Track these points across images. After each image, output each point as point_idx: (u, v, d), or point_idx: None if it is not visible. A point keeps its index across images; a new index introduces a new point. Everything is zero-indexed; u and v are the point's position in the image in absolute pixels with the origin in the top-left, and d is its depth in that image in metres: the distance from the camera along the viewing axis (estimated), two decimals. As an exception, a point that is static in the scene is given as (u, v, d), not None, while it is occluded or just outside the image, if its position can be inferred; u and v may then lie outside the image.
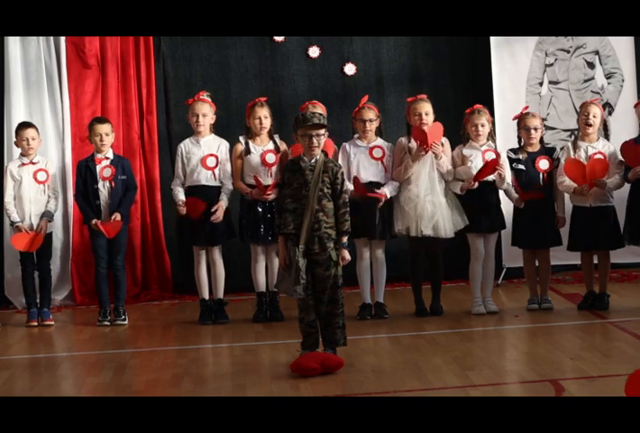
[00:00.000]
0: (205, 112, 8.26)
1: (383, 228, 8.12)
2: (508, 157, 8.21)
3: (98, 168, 8.38)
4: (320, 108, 8.21)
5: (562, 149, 8.24)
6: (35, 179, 8.46)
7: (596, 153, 8.05)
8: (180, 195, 8.26)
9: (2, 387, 6.38)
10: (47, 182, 8.50)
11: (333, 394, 5.79)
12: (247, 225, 8.22)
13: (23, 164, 8.50)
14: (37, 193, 8.46)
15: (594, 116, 8.07)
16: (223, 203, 8.18)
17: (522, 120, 8.18)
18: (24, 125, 8.56)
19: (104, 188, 8.38)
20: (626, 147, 7.99)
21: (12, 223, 8.45)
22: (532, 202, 8.04)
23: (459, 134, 8.26)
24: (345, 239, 6.46)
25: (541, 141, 8.25)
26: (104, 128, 8.41)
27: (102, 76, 9.56)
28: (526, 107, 8.43)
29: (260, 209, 8.16)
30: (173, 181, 8.43)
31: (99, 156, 8.43)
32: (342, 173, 6.48)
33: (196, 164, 8.26)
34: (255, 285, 8.30)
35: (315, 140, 6.42)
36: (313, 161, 6.43)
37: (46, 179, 8.50)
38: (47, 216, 8.44)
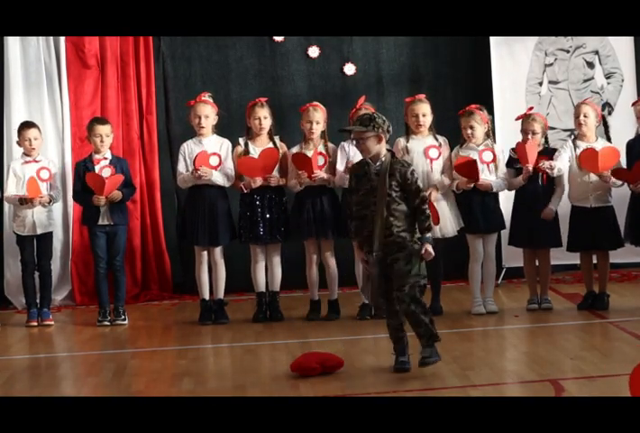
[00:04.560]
0: (207, 113, 8.25)
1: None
2: (510, 156, 8.22)
3: (97, 168, 8.37)
4: (320, 111, 8.21)
5: (562, 147, 8.22)
6: (38, 177, 8.45)
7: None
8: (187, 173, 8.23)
9: (2, 387, 6.38)
10: (49, 181, 8.50)
11: (333, 394, 5.79)
12: (245, 226, 8.22)
13: (27, 162, 8.50)
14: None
15: (585, 116, 8.07)
16: (215, 174, 8.13)
17: (523, 123, 8.16)
18: (27, 125, 8.55)
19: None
20: (617, 173, 7.95)
21: (20, 200, 8.35)
22: (530, 201, 8.06)
23: (458, 135, 8.27)
24: (428, 235, 6.18)
25: (546, 141, 8.25)
26: (104, 129, 8.41)
27: (102, 76, 9.56)
28: (531, 108, 8.40)
29: (259, 210, 8.16)
30: (178, 179, 8.39)
31: (97, 157, 8.42)
32: (413, 172, 6.17)
33: (198, 164, 8.26)
34: (255, 285, 8.30)
35: (359, 144, 6.21)
36: (378, 164, 6.16)
37: (49, 178, 8.50)
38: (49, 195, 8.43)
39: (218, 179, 8.15)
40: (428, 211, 6.18)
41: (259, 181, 8.12)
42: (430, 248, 6.17)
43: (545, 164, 7.92)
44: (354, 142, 6.31)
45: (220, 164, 8.22)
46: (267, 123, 8.24)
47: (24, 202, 8.33)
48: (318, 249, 8.25)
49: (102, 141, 8.38)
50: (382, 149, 6.18)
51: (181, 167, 8.31)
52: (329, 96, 9.61)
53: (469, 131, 8.11)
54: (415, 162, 8.10)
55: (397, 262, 6.13)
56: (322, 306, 8.29)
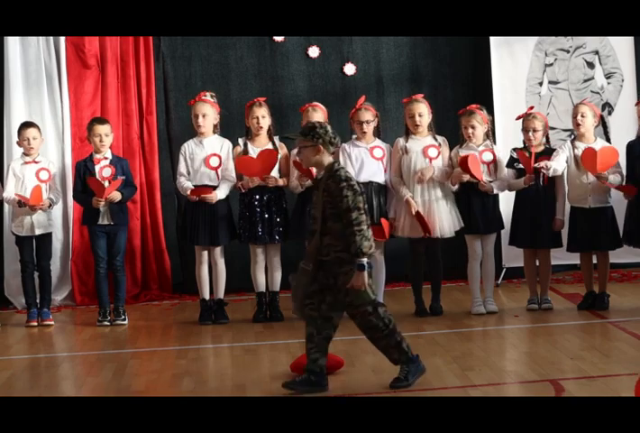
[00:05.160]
0: (206, 112, 8.24)
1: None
2: (511, 156, 8.21)
3: (97, 168, 8.38)
4: (320, 111, 8.21)
5: (560, 148, 8.21)
6: (37, 177, 8.45)
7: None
8: (187, 184, 8.19)
9: (2, 387, 6.38)
10: (49, 182, 8.50)
11: (333, 394, 5.79)
12: (245, 226, 8.22)
13: (26, 163, 8.50)
14: (39, 192, 8.46)
15: (582, 116, 8.07)
16: (219, 192, 8.13)
17: (524, 121, 8.16)
18: (25, 125, 8.56)
19: (104, 188, 8.37)
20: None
21: (19, 203, 8.34)
22: (530, 201, 8.06)
23: (458, 135, 8.27)
24: (362, 261, 5.71)
25: (547, 141, 8.24)
26: (103, 129, 8.41)
27: (102, 76, 9.55)
28: (531, 107, 8.40)
29: (258, 210, 8.16)
30: (177, 179, 8.38)
31: (98, 156, 8.42)
32: (344, 188, 5.70)
33: (199, 165, 8.25)
34: (255, 285, 8.30)
35: (298, 153, 6.02)
36: (319, 177, 5.91)
37: (48, 179, 8.50)
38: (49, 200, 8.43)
39: (223, 195, 8.15)
40: (359, 235, 5.68)
41: (256, 180, 8.12)
42: (360, 278, 5.71)
43: (541, 164, 7.92)
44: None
45: (220, 165, 8.22)
46: (265, 122, 8.23)
47: (23, 205, 8.34)
48: (319, 249, 8.25)
49: (101, 140, 8.38)
50: (324, 160, 5.84)
51: (182, 167, 8.30)
52: (329, 96, 9.61)
53: (470, 130, 8.11)
54: (413, 162, 8.11)
55: (339, 293, 5.82)
56: (322, 306, 8.28)
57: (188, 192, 8.15)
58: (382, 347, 5.94)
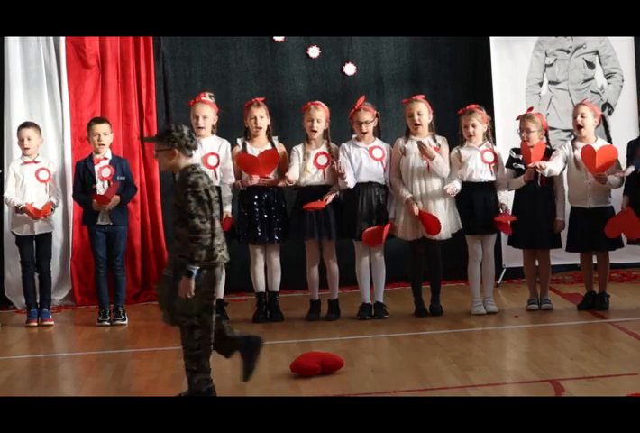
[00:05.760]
0: (206, 114, 8.24)
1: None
2: (510, 156, 8.21)
3: (97, 168, 8.38)
4: (322, 109, 8.21)
5: (560, 148, 8.21)
6: (37, 177, 8.46)
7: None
8: None
9: (2, 387, 6.38)
10: (48, 182, 8.50)
11: (333, 394, 5.79)
12: (244, 226, 8.22)
13: (26, 163, 8.50)
14: (38, 192, 8.45)
15: (582, 117, 8.07)
16: (228, 210, 8.16)
17: (521, 121, 8.16)
18: (22, 126, 8.59)
19: (102, 189, 8.37)
20: (612, 223, 7.95)
21: (17, 208, 8.36)
22: (529, 202, 8.06)
23: (457, 135, 8.27)
24: (192, 268, 5.56)
25: (547, 142, 8.23)
26: (102, 128, 8.41)
27: (102, 76, 9.55)
28: (531, 108, 8.39)
29: (257, 209, 8.16)
30: None
31: (98, 156, 8.43)
32: (188, 194, 5.60)
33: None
34: (254, 286, 8.30)
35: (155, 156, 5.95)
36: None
37: (48, 179, 8.50)
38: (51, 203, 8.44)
39: (230, 207, 8.19)
40: (195, 242, 5.56)
41: (255, 179, 8.11)
42: (184, 285, 5.57)
43: (536, 164, 7.91)
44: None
45: (218, 164, 8.21)
46: (263, 122, 8.23)
47: (21, 211, 8.34)
48: (319, 249, 8.25)
49: (100, 139, 8.38)
50: (179, 164, 5.74)
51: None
52: (329, 96, 9.60)
53: (470, 129, 8.10)
54: (411, 163, 8.10)
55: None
56: (322, 306, 8.29)
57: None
58: (186, 367, 5.74)
